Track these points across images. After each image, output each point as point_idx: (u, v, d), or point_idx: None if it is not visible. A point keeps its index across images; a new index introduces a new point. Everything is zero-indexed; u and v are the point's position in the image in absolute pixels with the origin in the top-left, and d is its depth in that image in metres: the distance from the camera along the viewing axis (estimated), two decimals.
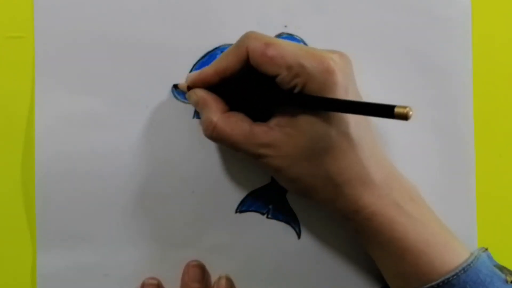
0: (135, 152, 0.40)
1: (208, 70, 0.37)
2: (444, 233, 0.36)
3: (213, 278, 0.40)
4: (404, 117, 0.29)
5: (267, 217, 0.41)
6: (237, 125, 0.36)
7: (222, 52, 0.40)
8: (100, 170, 0.40)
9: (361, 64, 0.37)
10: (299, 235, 0.41)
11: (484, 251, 0.36)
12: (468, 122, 0.41)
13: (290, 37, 0.40)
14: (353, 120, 0.34)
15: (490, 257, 0.36)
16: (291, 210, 0.41)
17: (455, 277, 0.33)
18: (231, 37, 0.40)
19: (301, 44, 0.40)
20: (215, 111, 0.36)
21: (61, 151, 0.39)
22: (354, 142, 0.34)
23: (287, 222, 0.41)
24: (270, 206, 0.41)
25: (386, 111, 0.30)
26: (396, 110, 0.30)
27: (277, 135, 0.35)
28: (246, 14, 0.40)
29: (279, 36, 0.40)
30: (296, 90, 0.34)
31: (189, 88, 0.38)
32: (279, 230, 0.41)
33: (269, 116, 0.36)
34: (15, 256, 0.40)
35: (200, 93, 0.37)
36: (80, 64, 0.39)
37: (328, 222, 0.40)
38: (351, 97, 0.34)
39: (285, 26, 0.40)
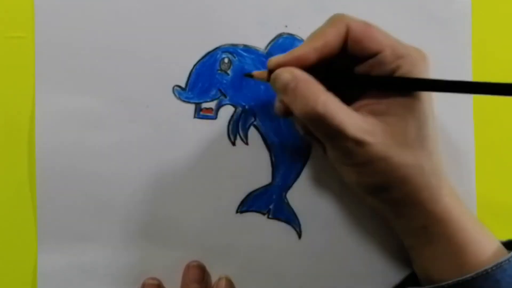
0: (135, 152, 0.40)
1: (303, 47, 0.34)
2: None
3: (213, 278, 0.40)
4: None
5: (268, 217, 0.41)
6: (342, 106, 0.33)
7: (222, 52, 0.40)
8: (100, 170, 0.40)
9: None
10: (299, 235, 0.41)
11: None
12: (468, 122, 0.41)
13: (291, 37, 0.40)
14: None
15: None
16: (291, 210, 0.41)
17: (506, 262, 0.33)
18: (231, 37, 0.40)
19: None
20: (322, 89, 0.33)
21: (61, 151, 0.39)
22: (438, 134, 0.35)
23: (287, 222, 0.41)
24: (271, 206, 0.41)
25: None
26: None
27: (375, 122, 0.33)
28: (247, 14, 0.40)
29: (279, 36, 0.40)
30: (399, 73, 0.33)
31: (271, 72, 0.34)
32: (279, 230, 0.41)
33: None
34: (16, 256, 0.40)
35: (296, 71, 0.33)
36: (80, 64, 0.39)
37: (329, 222, 0.40)
38: None
39: (286, 26, 0.40)
